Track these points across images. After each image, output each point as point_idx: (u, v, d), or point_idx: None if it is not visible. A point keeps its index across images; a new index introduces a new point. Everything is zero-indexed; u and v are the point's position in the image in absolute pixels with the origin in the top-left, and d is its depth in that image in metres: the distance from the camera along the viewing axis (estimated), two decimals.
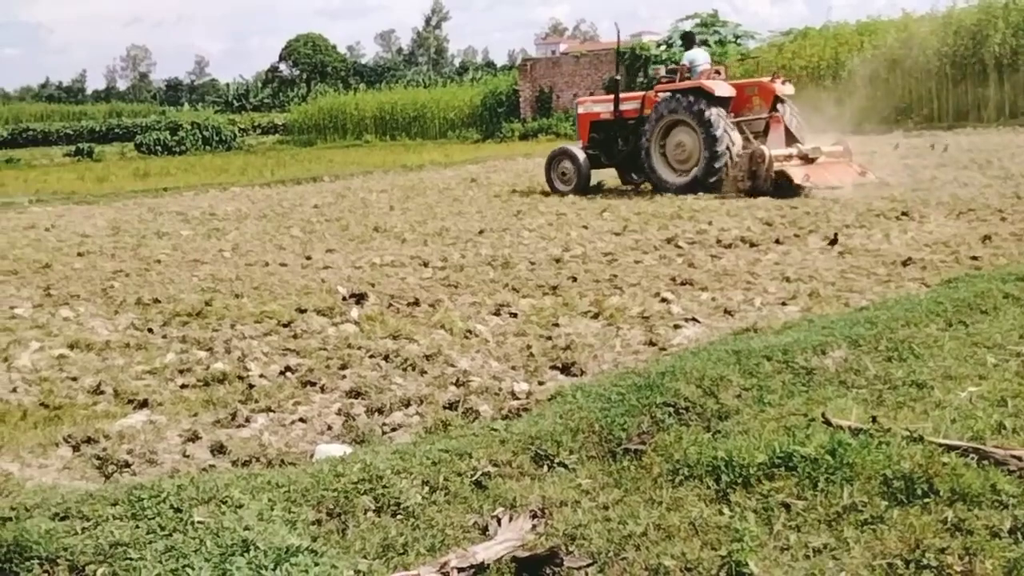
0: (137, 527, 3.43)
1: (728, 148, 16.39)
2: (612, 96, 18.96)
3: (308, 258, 11.35)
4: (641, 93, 18.99)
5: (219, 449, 4.87)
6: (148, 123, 61.25)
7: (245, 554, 3.17)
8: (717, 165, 16.37)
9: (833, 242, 10.25)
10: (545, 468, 4.25)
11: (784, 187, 15.29)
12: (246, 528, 3.37)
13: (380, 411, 5.39)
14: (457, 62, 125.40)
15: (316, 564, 3.12)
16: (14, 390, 6.17)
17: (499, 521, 3.67)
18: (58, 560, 3.34)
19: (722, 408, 4.90)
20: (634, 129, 17.97)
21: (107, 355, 7.03)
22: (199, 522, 3.43)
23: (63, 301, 9.18)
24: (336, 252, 11.79)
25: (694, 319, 7.19)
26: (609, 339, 6.76)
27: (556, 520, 3.72)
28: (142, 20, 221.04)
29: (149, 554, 3.23)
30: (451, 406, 5.38)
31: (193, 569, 3.11)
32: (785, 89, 17.32)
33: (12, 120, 74.34)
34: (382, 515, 3.74)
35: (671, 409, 4.80)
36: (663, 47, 45.86)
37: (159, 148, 50.83)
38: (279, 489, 3.76)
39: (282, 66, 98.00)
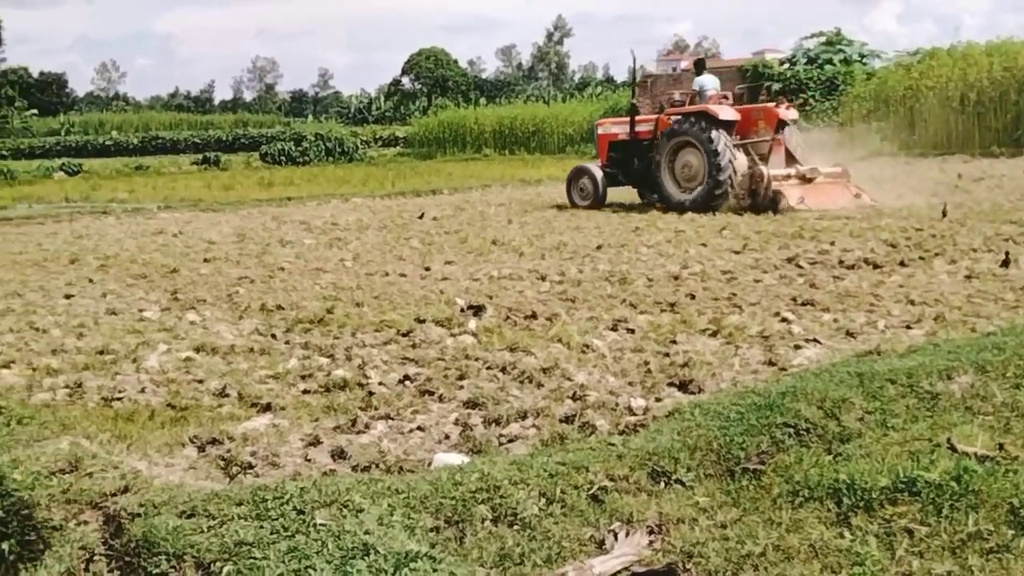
0: (261, 527, 3.51)
1: (731, 168, 17.46)
2: (629, 119, 20.30)
3: (427, 269, 11.47)
4: (655, 116, 19.95)
5: (339, 454, 4.95)
6: (273, 134, 62.56)
7: (365, 558, 3.22)
8: (721, 182, 17.42)
9: (1005, 263, 9.98)
10: (662, 484, 4.23)
11: (782, 206, 16.59)
12: (366, 532, 3.42)
13: (497, 422, 5.42)
14: (577, 78, 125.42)
15: (435, 570, 3.15)
16: (142, 390, 6.34)
17: (616, 535, 3.66)
18: (185, 556, 3.43)
19: (844, 430, 4.82)
20: (648, 149, 19.19)
21: (232, 359, 7.19)
22: (321, 524, 3.49)
23: (190, 305, 9.42)
24: (455, 264, 11.89)
25: (815, 340, 7.08)
26: (728, 357, 6.70)
27: (673, 537, 3.70)
28: (269, 32, 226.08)
29: (272, 554, 3.30)
30: (567, 420, 5.38)
31: (315, 570, 3.17)
32: (789, 114, 18.55)
33: (142, 128, 76.48)
34: (499, 525, 3.77)
35: (791, 430, 4.73)
36: (786, 65, 45.29)
37: (283, 158, 51.74)
38: (399, 495, 3.81)
39: (404, 79, 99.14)
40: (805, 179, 17.50)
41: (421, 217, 18.29)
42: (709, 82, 19.42)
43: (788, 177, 17.40)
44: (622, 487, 4.13)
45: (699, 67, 20.56)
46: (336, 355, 7.13)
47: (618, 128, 20.61)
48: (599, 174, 19.85)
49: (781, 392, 5.09)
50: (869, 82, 40.06)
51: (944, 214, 14.37)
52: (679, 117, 18.56)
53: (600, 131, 21.21)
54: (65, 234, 17.70)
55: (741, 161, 17.69)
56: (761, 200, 17.02)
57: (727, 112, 18.12)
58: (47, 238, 16.99)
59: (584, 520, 3.86)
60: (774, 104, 19.11)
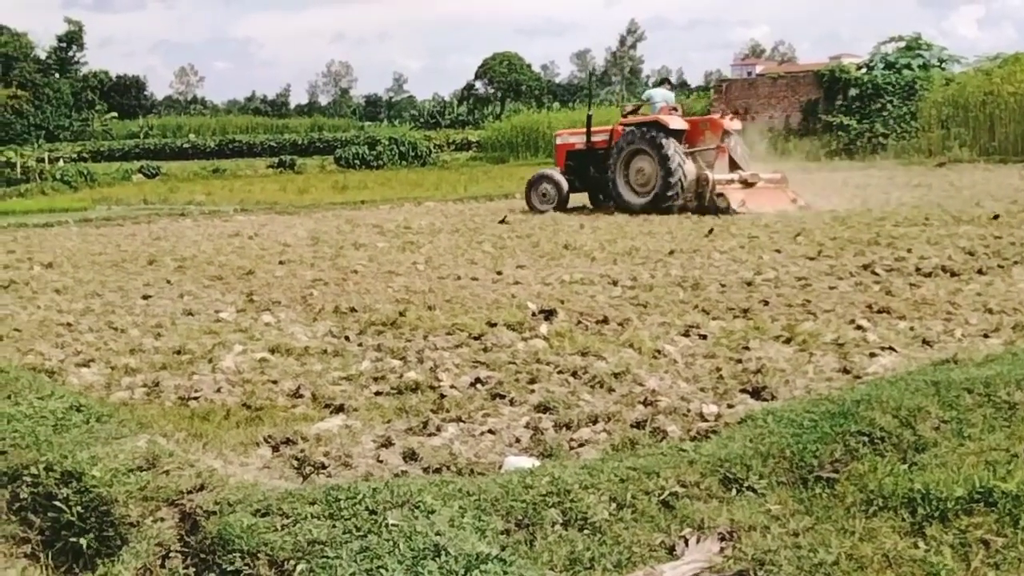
0: (334, 526, 3.55)
1: (680, 173, 19.26)
2: (583, 129, 22.36)
3: (499, 273, 11.49)
4: (610, 127, 21.72)
5: (411, 456, 4.98)
6: (347, 137, 63.11)
7: (437, 559, 3.24)
8: (672, 186, 19.24)
9: None
10: (734, 491, 4.20)
11: (723, 207, 18.52)
12: (438, 533, 3.45)
13: (568, 426, 5.42)
14: (651, 82, 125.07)
15: (505, 573, 3.16)
16: (218, 390, 6.42)
17: (687, 542, 3.65)
18: (259, 554, 3.47)
19: (919, 440, 4.75)
20: (604, 158, 20.96)
21: (306, 360, 7.26)
22: (393, 525, 3.52)
23: (265, 307, 9.53)
24: (526, 268, 11.91)
25: (891, 348, 6.98)
26: (801, 364, 6.63)
27: (744, 544, 3.67)
28: (346, 37, 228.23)
29: (345, 553, 3.34)
30: (638, 425, 5.36)
31: (387, 570, 3.20)
32: (732, 124, 20.52)
33: (219, 132, 77.60)
34: (569, 528, 3.77)
35: (866, 438, 4.67)
36: (863, 70, 44.77)
37: (357, 162, 52.21)
38: (469, 497, 3.82)
39: (478, 84, 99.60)
40: (747, 184, 19.40)
41: (503, 221, 18.36)
42: (658, 94, 21.45)
43: (731, 182, 19.36)
44: (693, 493, 4.11)
45: (663, 80, 22.88)
46: (408, 358, 7.17)
47: (575, 138, 22.43)
48: (563, 180, 21.44)
49: (856, 400, 5.03)
50: (947, 87, 39.47)
51: (996, 217, 14.48)
52: (632, 127, 20.31)
53: (559, 141, 23.02)
54: (143, 235, 18.01)
55: (690, 167, 19.50)
56: (707, 203, 18.92)
57: (677, 122, 19.92)
58: (126, 239, 17.31)
59: (655, 526, 3.85)
60: (719, 115, 21.29)
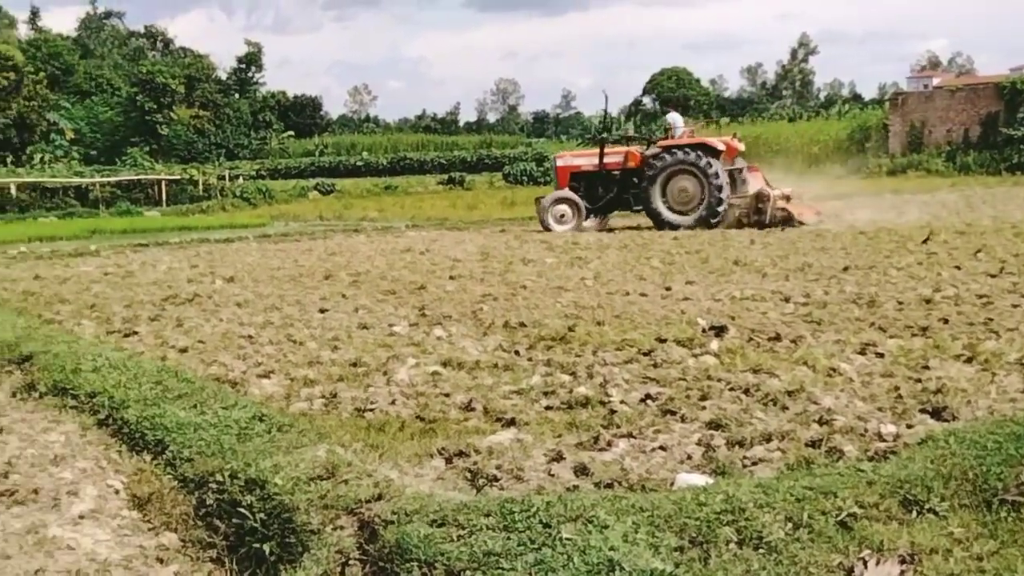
0: (508, 539, 3.59)
1: (727, 191, 21.04)
2: (589, 151, 24.23)
3: (668, 289, 11.43)
4: (624, 149, 23.17)
5: (582, 470, 4.99)
6: (515, 154, 63.76)
7: (611, 574, 3.25)
8: (722, 202, 20.93)
9: None
10: (914, 513, 4.09)
11: (781, 220, 20.17)
12: (611, 548, 3.45)
13: (740, 444, 5.35)
14: (823, 95, 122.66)
15: None
16: (393, 402, 6.55)
17: (866, 564, 3.57)
18: (435, 564, 3.54)
19: None
20: (617, 179, 22.45)
21: (477, 374, 7.34)
22: (567, 539, 3.54)
23: (436, 321, 9.68)
24: (696, 284, 11.82)
25: None
26: (984, 384, 6.41)
27: (926, 567, 3.58)
28: (517, 55, 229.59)
29: (520, 565, 3.37)
30: (814, 444, 5.25)
31: None
32: (741, 146, 22.37)
33: (391, 149, 79.16)
34: (744, 547, 3.73)
35: None
36: None
37: (525, 178, 52.66)
38: (643, 513, 3.82)
39: (645, 99, 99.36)
40: (787, 199, 21.06)
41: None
42: (679, 118, 23.62)
43: (783, 198, 20.96)
44: (872, 514, 4.01)
45: (667, 105, 24.07)
46: (578, 373, 7.18)
47: (581, 160, 23.47)
48: (581, 201, 22.46)
49: None
50: None
51: None
52: (673, 149, 21.56)
53: (560, 163, 23.86)
54: (319, 251, 18.53)
55: (753, 183, 21.46)
56: (765, 218, 20.40)
57: (720, 144, 21.58)
58: (303, 254, 17.83)
59: (832, 546, 3.78)
60: (730, 138, 22.67)
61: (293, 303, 11.33)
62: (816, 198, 24.24)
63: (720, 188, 20.81)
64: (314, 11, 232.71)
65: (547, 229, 21.94)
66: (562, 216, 22.19)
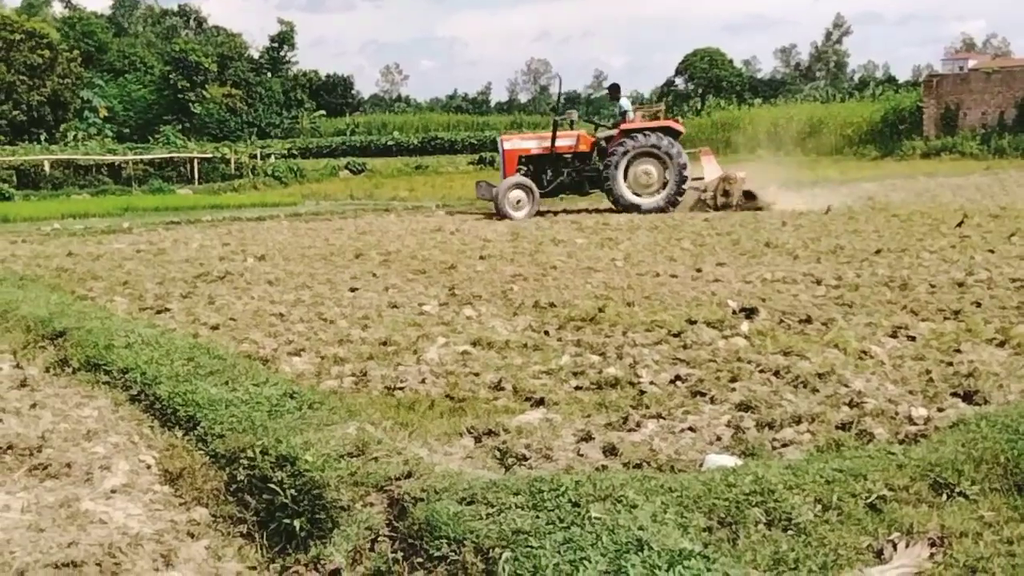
0: (537, 517, 3.60)
1: (689, 172, 21.36)
2: (537, 134, 24.07)
3: (698, 270, 11.40)
4: (576, 132, 22.71)
5: (611, 450, 5.00)
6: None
7: (639, 553, 3.25)
8: (684, 188, 21.30)
9: None
10: (944, 496, 4.08)
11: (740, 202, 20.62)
12: (640, 528, 3.46)
13: (770, 426, 5.35)
14: (856, 77, 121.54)
15: (708, 570, 3.15)
16: (423, 381, 6.58)
17: (895, 546, 3.56)
18: (464, 541, 3.55)
19: None
20: (568, 162, 22.12)
21: (506, 354, 7.36)
22: (596, 518, 3.54)
23: (466, 301, 9.69)
24: (726, 266, 11.78)
25: None
26: (1016, 369, 6.37)
27: (956, 550, 3.57)
28: (550, 35, 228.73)
29: (549, 544, 3.38)
30: (844, 426, 5.24)
31: (590, 562, 3.22)
32: (680, 127, 22.26)
33: (422, 129, 79.22)
34: (773, 528, 3.73)
35: None
36: None
37: None
38: (671, 493, 3.82)
39: (678, 80, 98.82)
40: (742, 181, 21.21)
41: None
42: (628, 104, 22.78)
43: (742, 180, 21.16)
44: (902, 497, 4.00)
45: (615, 92, 23.31)
46: (607, 353, 7.19)
47: (529, 143, 22.89)
48: (534, 186, 21.72)
49: None
50: None
51: None
52: (636, 132, 21.43)
53: (507, 146, 22.87)
54: (350, 230, 18.56)
55: (713, 167, 21.67)
56: (733, 200, 20.71)
57: (680, 127, 22.10)
58: (333, 233, 17.87)
59: (861, 529, 3.77)
60: (673, 120, 22.92)
61: (324, 281, 11.37)
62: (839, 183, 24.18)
63: (684, 169, 21.15)
64: None
65: (504, 216, 21.14)
66: (518, 202, 21.57)
